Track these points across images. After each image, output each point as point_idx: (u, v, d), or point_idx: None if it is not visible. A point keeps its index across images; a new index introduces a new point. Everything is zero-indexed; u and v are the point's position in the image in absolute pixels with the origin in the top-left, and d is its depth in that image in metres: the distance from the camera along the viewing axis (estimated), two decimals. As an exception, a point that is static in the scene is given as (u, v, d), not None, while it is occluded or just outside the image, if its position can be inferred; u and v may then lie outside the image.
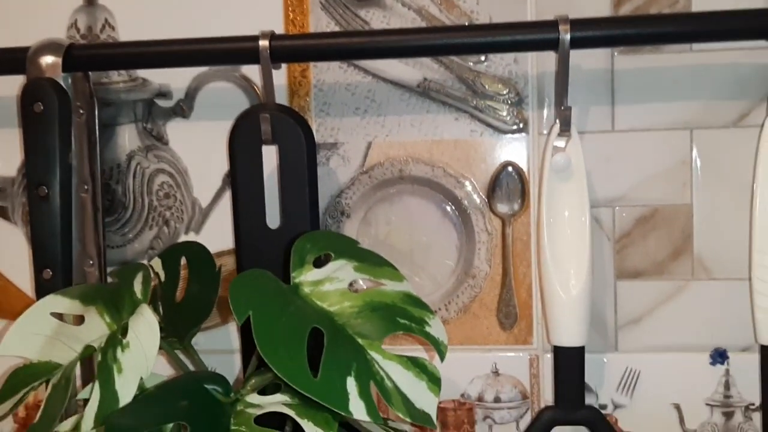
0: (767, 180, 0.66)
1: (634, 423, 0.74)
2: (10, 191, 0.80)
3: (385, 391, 0.51)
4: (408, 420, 0.50)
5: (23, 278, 0.81)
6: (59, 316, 0.62)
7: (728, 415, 0.73)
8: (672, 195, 0.72)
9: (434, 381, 0.54)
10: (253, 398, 0.56)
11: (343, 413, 0.49)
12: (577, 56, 0.67)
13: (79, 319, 0.62)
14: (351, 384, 0.51)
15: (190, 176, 0.78)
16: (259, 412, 0.54)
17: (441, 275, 0.75)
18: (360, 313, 0.55)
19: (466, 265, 0.75)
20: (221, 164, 0.77)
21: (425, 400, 0.53)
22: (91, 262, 0.75)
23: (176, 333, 0.65)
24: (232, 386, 0.57)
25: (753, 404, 0.72)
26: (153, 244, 0.79)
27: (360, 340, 0.54)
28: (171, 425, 0.55)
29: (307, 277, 0.57)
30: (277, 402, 0.54)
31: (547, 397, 0.75)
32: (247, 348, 0.69)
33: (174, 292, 0.69)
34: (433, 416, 0.52)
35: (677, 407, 0.73)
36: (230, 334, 0.78)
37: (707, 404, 0.73)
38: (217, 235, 0.77)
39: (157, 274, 0.71)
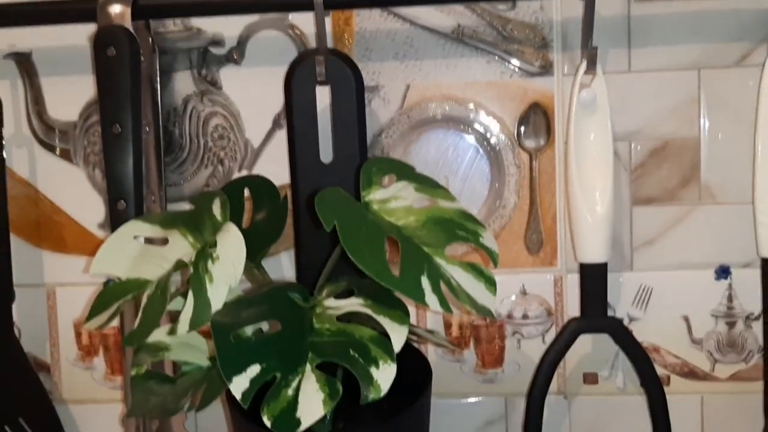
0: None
1: (647, 334, 0.81)
2: (72, 135, 0.85)
3: (453, 289, 0.58)
4: (473, 312, 0.57)
5: (86, 217, 0.86)
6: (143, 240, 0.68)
7: (731, 325, 0.81)
8: (681, 129, 0.79)
9: (491, 282, 0.60)
10: (330, 302, 0.62)
11: (421, 304, 0.55)
12: (598, 3, 0.74)
13: (163, 242, 0.68)
14: (425, 282, 0.57)
15: (242, 118, 0.83)
16: (338, 313, 0.60)
17: (474, 206, 0.82)
18: (424, 226, 0.62)
19: (496, 196, 0.82)
20: (271, 107, 0.82)
21: (485, 297, 0.60)
22: (153, 198, 0.81)
23: (249, 257, 0.71)
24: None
25: (753, 314, 0.80)
26: (208, 182, 0.84)
27: (426, 249, 0.60)
28: (253, 329, 0.61)
29: (375, 195, 0.63)
30: (353, 304, 0.61)
31: (570, 313, 0.82)
32: (302, 259, 0.75)
33: (240, 221, 0.75)
34: (491, 310, 0.59)
35: (686, 319, 0.81)
36: (282, 263, 0.84)
37: (712, 315, 0.81)
38: (268, 172, 0.82)
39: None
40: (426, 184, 0.65)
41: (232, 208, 0.73)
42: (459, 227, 0.62)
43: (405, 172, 0.65)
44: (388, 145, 0.82)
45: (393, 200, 0.63)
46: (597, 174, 0.75)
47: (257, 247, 0.70)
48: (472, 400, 0.84)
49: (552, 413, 0.83)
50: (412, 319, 0.82)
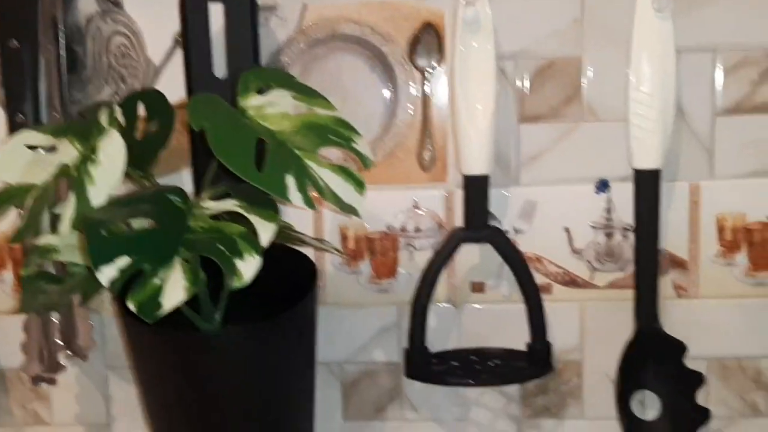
0: (641, 34, 0.76)
1: (531, 245, 0.85)
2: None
3: (320, 188, 0.60)
4: (338, 209, 0.60)
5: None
6: (34, 149, 0.69)
7: (609, 236, 0.84)
8: (565, 49, 0.81)
9: (360, 185, 0.63)
10: (208, 204, 0.64)
11: (284, 199, 0.58)
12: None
13: (53, 150, 0.69)
14: (290, 180, 0.59)
15: (144, 37, 0.84)
16: (212, 212, 0.63)
17: (369, 123, 0.84)
18: (298, 131, 0.64)
19: (390, 114, 0.84)
20: (172, 26, 0.83)
21: (352, 197, 0.62)
22: (56, 115, 0.82)
23: (139, 166, 0.72)
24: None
25: (630, 225, 0.83)
26: (112, 99, 0.85)
27: (298, 152, 0.62)
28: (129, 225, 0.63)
29: (251, 102, 0.65)
30: (228, 204, 0.63)
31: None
32: (198, 173, 0.77)
33: (133, 132, 0.76)
34: (359, 210, 0.62)
35: (567, 230, 0.84)
36: (183, 179, 0.85)
37: (592, 227, 0.84)
38: (169, 90, 0.83)
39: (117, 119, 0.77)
40: (304, 92, 0.66)
41: (127, 121, 0.74)
42: (332, 133, 0.64)
43: (283, 81, 0.66)
44: (285, 64, 0.83)
45: (268, 107, 0.65)
46: (479, 90, 0.77)
47: (147, 156, 0.72)
48: (367, 308, 0.87)
49: (442, 321, 0.87)
50: (308, 231, 0.84)
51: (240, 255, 0.58)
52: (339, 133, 0.65)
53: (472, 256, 0.85)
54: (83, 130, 0.69)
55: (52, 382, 0.81)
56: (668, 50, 0.76)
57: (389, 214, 0.85)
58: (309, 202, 0.59)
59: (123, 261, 0.57)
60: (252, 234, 0.60)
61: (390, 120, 0.84)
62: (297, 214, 0.84)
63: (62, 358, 0.81)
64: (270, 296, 0.73)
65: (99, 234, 0.58)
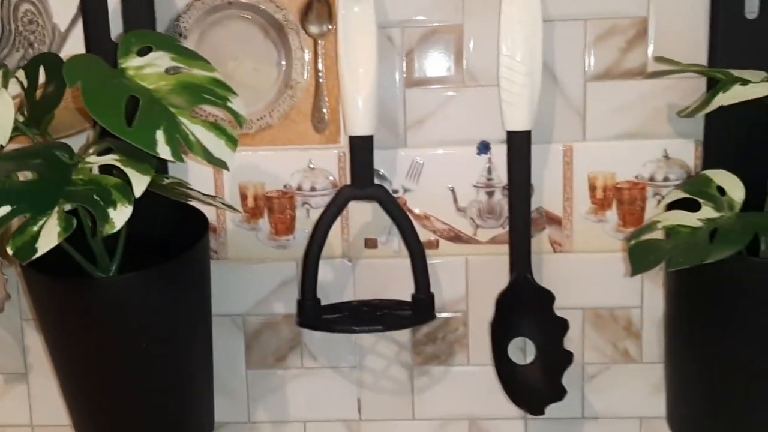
0: (509, 5, 0.81)
1: (419, 203, 0.90)
2: None
3: (189, 143, 0.65)
4: (206, 162, 0.64)
5: None
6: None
7: (490, 194, 0.89)
8: (448, 17, 0.86)
9: (231, 140, 0.67)
10: (91, 158, 0.69)
11: (151, 152, 0.62)
12: None
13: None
14: (160, 134, 0.64)
15: (50, 4, 0.87)
16: (94, 165, 0.67)
17: (265, 87, 0.88)
18: (173, 89, 0.68)
19: (285, 78, 0.88)
20: (76, -7, 0.86)
21: (223, 152, 0.66)
22: (-37, 80, 0.85)
23: (36, 125, 0.76)
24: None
25: (507, 185, 0.88)
26: (19, 64, 0.89)
27: (172, 109, 0.67)
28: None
29: (131, 63, 0.69)
30: (108, 159, 0.67)
31: (353, 185, 0.89)
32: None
33: (35, 94, 0.80)
34: (229, 164, 0.66)
35: (452, 190, 0.89)
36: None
37: (474, 186, 0.89)
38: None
39: (21, 83, 0.81)
40: (184, 54, 0.71)
41: (29, 84, 0.78)
42: (207, 92, 0.69)
43: (164, 43, 0.70)
44: (184, 29, 0.87)
45: (147, 67, 0.69)
46: (362, 55, 0.82)
47: (43, 115, 0.76)
48: (267, 264, 0.92)
49: (338, 275, 0.92)
50: (209, 190, 0.89)
51: (113, 204, 0.63)
52: (214, 92, 0.69)
53: (365, 214, 0.90)
54: (-21, 90, 0.72)
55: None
56: (535, 20, 0.81)
57: (286, 174, 0.90)
58: (177, 156, 0.63)
59: (4, 209, 0.62)
60: (127, 185, 0.64)
61: (285, 84, 0.88)
62: (198, 174, 0.89)
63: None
64: (169, 251, 0.77)
65: (-15, 184, 0.62)
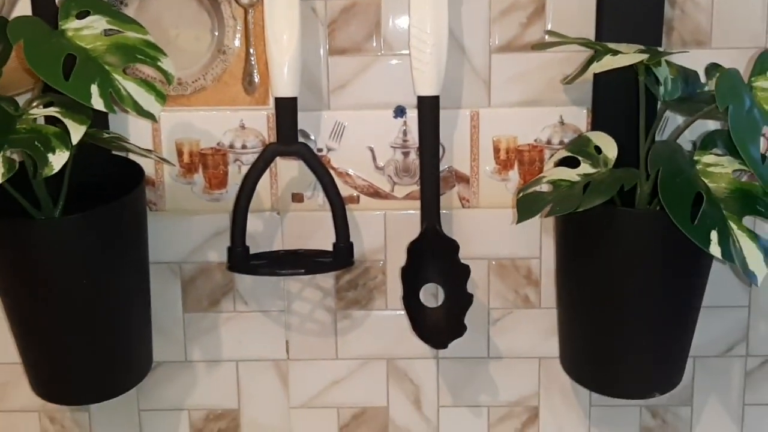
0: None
1: (341, 162, 0.98)
2: None
3: (121, 96, 0.72)
4: (135, 113, 0.72)
5: None
6: None
7: (406, 154, 0.98)
8: (367, -9, 0.94)
9: (160, 96, 0.75)
10: (34, 111, 0.76)
11: (86, 104, 0.70)
12: None
13: None
14: (94, 89, 0.71)
15: (-2, -29, 0.93)
16: (36, 116, 0.74)
17: (200, 53, 0.95)
18: (108, 49, 0.75)
19: (218, 44, 0.95)
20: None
21: (151, 106, 0.74)
22: None
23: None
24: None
25: (421, 145, 0.97)
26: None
27: (106, 66, 0.74)
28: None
29: (70, 25, 0.76)
30: (50, 111, 0.74)
31: (281, 144, 0.97)
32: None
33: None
34: (155, 116, 0.74)
35: (371, 149, 0.98)
36: (37, 99, 0.96)
37: (391, 147, 0.98)
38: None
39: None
40: (118, 18, 0.78)
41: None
42: (140, 53, 0.76)
43: (100, 8, 0.77)
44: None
45: (85, 29, 0.76)
46: (286, 23, 0.89)
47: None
48: (202, 215, 0.99)
49: (267, 227, 1.00)
50: (148, 147, 0.96)
51: (53, 150, 0.70)
52: (146, 53, 0.76)
53: (291, 171, 0.98)
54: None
55: None
56: (441, -6, 0.89)
57: (219, 133, 0.98)
58: (109, 107, 0.71)
59: (-49, 153, 0.69)
60: (65, 133, 0.71)
61: (218, 50, 0.95)
62: (137, 131, 0.96)
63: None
64: (108, 200, 0.85)
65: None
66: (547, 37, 0.92)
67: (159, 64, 0.76)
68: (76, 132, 0.72)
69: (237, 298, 1.01)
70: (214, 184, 0.99)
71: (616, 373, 0.89)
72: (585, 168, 0.82)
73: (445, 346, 0.94)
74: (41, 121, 0.78)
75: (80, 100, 0.70)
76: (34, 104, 0.78)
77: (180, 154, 0.98)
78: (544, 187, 0.85)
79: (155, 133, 0.97)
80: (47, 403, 1.03)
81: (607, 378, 0.90)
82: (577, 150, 0.84)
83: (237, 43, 0.95)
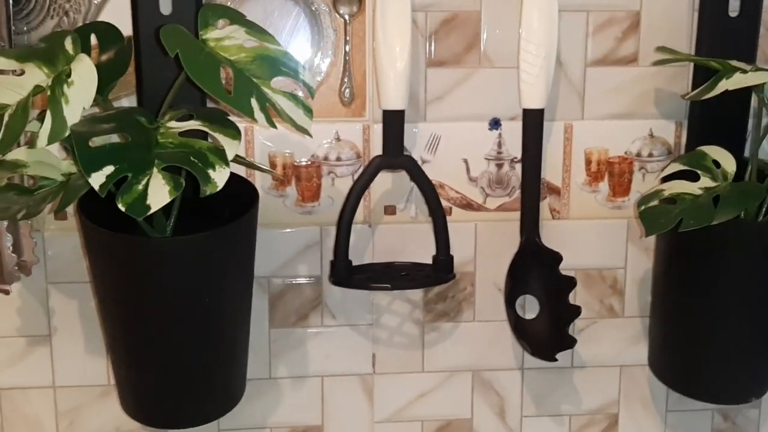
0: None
1: (435, 173, 0.96)
2: None
3: (278, 110, 0.69)
4: (294, 129, 0.69)
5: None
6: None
7: (499, 166, 0.97)
8: (467, 3, 0.93)
9: (308, 110, 0.72)
10: (172, 124, 0.72)
11: (250, 118, 0.66)
12: None
13: (19, 73, 0.74)
14: (254, 102, 0.68)
15: (86, -25, 0.88)
16: (179, 130, 0.70)
17: (296, 63, 0.92)
18: (253, 61, 0.72)
19: (315, 55, 0.93)
20: (114, -35, 0.88)
21: (302, 120, 0.71)
22: (2, 43, 0.85)
23: (99, 91, 0.78)
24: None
25: (516, 158, 0.97)
26: (54, 30, 0.89)
27: (255, 79, 0.71)
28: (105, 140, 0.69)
29: (211, 35, 0.72)
30: (193, 124, 0.70)
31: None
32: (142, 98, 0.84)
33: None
34: (309, 129, 0.71)
35: (465, 161, 0.97)
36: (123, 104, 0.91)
37: (485, 158, 0.97)
38: (111, 25, 0.88)
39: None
40: (255, 29, 0.74)
41: (82, 47, 0.79)
42: (282, 65, 0.73)
43: (237, 17, 0.74)
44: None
45: (227, 39, 0.72)
46: (397, 37, 0.88)
47: (105, 82, 0.77)
48: (293, 228, 0.96)
49: (359, 239, 0.97)
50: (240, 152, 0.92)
51: (212, 166, 0.67)
52: (288, 65, 0.73)
53: (385, 183, 0.96)
54: (48, 55, 0.74)
55: (6, 292, 0.86)
56: (553, 10, 0.89)
57: (314, 145, 0.95)
58: (270, 121, 0.68)
59: (109, 168, 0.64)
60: (219, 149, 0.68)
61: (315, 60, 0.92)
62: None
63: (15, 271, 0.85)
64: (217, 217, 0.81)
65: (87, 145, 0.64)
66: (644, 52, 0.93)
67: (301, 76, 0.73)
68: (231, 147, 0.68)
69: (325, 312, 0.99)
70: (306, 197, 0.96)
71: (718, 378, 0.90)
72: (705, 182, 0.84)
73: (555, 359, 0.94)
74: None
75: (245, 114, 0.66)
76: (167, 117, 0.73)
77: (273, 166, 0.94)
78: (659, 201, 0.86)
79: (248, 145, 0.93)
80: (120, 427, 0.98)
81: (708, 383, 0.91)
82: (695, 163, 0.85)
83: (334, 55, 0.92)
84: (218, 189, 0.66)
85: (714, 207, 0.80)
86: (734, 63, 0.83)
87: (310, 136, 0.70)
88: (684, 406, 1.05)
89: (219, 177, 0.66)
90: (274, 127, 0.68)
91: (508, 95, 0.94)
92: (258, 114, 0.67)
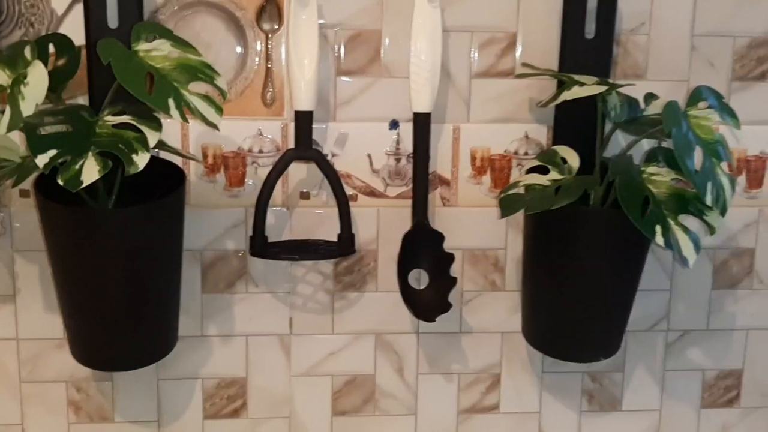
0: (419, 18, 1.05)
1: (343, 165, 1.13)
2: None
3: (191, 109, 0.86)
4: (205, 124, 0.85)
5: None
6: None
7: (398, 160, 1.14)
8: (370, 22, 1.10)
9: (218, 109, 0.89)
10: (109, 118, 0.88)
11: (166, 114, 0.83)
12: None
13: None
14: (171, 102, 0.85)
15: (49, -8, 1.05)
16: (114, 122, 0.87)
17: (225, 70, 1.09)
18: (174, 69, 0.88)
19: (242, 64, 1.09)
20: (72, -15, 1.04)
21: (213, 117, 0.88)
22: (-24, 48, 1.01)
23: (52, 90, 0.94)
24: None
25: (410, 153, 1.13)
26: (21, 39, 1.05)
27: (175, 83, 0.87)
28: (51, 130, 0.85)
29: (141, 47, 0.89)
30: (125, 118, 0.87)
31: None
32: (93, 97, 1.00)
33: (46, 64, 0.97)
34: (217, 125, 0.88)
35: (369, 156, 1.13)
36: (78, 102, 1.07)
37: (386, 154, 1.14)
38: (69, 35, 1.04)
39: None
40: (180, 42, 0.91)
41: (40, 55, 0.96)
42: (200, 72, 0.90)
43: (165, 33, 0.90)
44: (162, 21, 1.06)
45: (154, 51, 0.89)
46: (307, 49, 1.04)
47: (58, 82, 0.94)
48: (222, 210, 1.13)
49: (278, 220, 1.14)
50: (175, 144, 1.09)
51: (135, 151, 0.83)
52: (205, 72, 0.90)
53: (300, 172, 1.13)
54: (11, 60, 0.90)
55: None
56: (437, 30, 1.06)
57: (240, 139, 1.11)
58: (183, 117, 0.85)
59: (52, 152, 0.81)
60: (143, 137, 0.85)
61: (241, 68, 1.09)
62: (167, 136, 1.08)
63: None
64: (152, 197, 0.97)
65: (36, 133, 0.80)
66: (521, 67, 1.10)
67: (215, 82, 0.90)
68: (153, 137, 0.85)
69: (249, 281, 1.15)
70: (233, 183, 1.12)
71: (571, 341, 1.08)
72: (554, 175, 1.01)
73: (433, 320, 1.11)
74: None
75: (162, 111, 0.83)
76: (106, 111, 0.90)
77: (205, 156, 1.11)
78: (520, 190, 1.03)
79: (184, 138, 1.10)
80: (74, 374, 1.14)
81: (564, 345, 1.08)
82: (547, 160, 1.02)
83: (257, 62, 1.09)
84: (139, 170, 0.83)
85: (555, 195, 0.97)
86: (581, 77, 1.00)
87: (218, 129, 0.87)
88: (557, 369, 1.22)
89: (140, 160, 0.83)
90: (186, 121, 0.85)
91: (404, 100, 1.11)
92: (173, 111, 0.84)
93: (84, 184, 0.80)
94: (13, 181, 0.89)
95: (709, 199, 0.89)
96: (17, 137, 0.97)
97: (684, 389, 1.26)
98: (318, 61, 1.05)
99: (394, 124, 1.12)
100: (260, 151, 1.11)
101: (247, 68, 1.09)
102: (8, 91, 0.85)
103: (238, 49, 1.08)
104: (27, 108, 0.84)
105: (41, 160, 0.80)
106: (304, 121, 1.06)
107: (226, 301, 1.15)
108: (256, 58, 1.09)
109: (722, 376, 1.26)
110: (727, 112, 0.96)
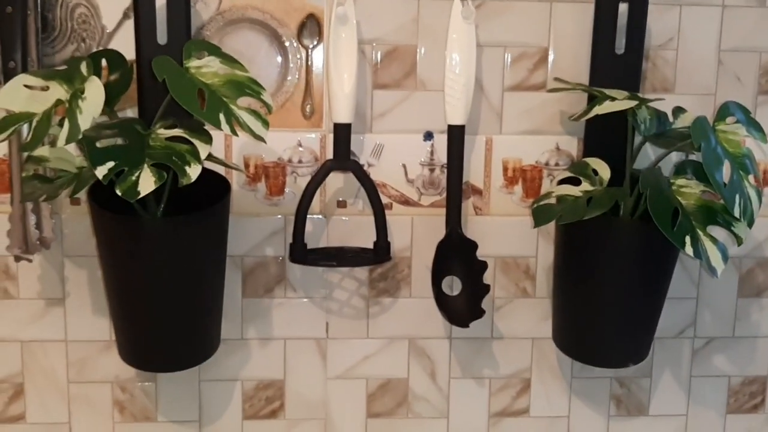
0: (454, 33, 1.09)
1: (379, 175, 1.16)
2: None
3: (241, 123, 0.90)
4: (252, 137, 0.89)
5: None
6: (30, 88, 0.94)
7: (432, 171, 1.17)
8: (406, 39, 1.13)
9: (265, 123, 0.92)
10: (161, 131, 0.92)
11: (217, 128, 0.87)
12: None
13: (44, 89, 0.94)
14: (222, 117, 0.88)
15: (100, 9, 1.09)
16: (166, 136, 0.91)
17: (267, 84, 1.13)
18: (224, 85, 0.92)
19: (283, 77, 1.13)
20: (121, 2, 1.08)
21: (260, 131, 0.92)
22: (32, 64, 1.06)
23: (108, 104, 0.98)
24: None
25: (445, 164, 1.17)
26: (73, 54, 1.10)
27: (224, 99, 0.91)
28: (108, 143, 0.90)
29: (192, 63, 0.93)
30: (177, 131, 0.91)
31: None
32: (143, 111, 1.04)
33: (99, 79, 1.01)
34: (264, 138, 0.91)
35: (404, 166, 1.17)
36: (127, 115, 1.11)
37: (420, 164, 1.17)
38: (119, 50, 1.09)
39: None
40: (228, 59, 0.95)
41: (95, 71, 1.00)
42: (247, 87, 0.93)
43: (214, 50, 0.94)
44: (207, 36, 1.11)
45: (204, 67, 0.93)
46: (346, 64, 1.08)
47: (112, 97, 0.98)
48: (262, 217, 1.17)
49: (316, 228, 1.17)
50: (218, 154, 1.13)
51: (188, 163, 0.87)
52: (252, 88, 0.94)
53: (337, 182, 1.17)
54: (68, 75, 0.94)
55: (29, 260, 1.07)
56: (471, 45, 1.09)
57: (280, 150, 1.15)
58: (233, 131, 0.88)
59: (111, 164, 0.85)
60: (195, 150, 0.88)
61: (282, 82, 1.13)
62: (213, 148, 1.12)
63: (36, 244, 1.06)
64: (198, 205, 1.01)
65: (95, 146, 0.85)
66: (553, 81, 1.13)
67: (262, 96, 0.94)
68: (204, 150, 0.89)
69: (287, 286, 1.19)
70: (273, 192, 1.16)
71: (600, 347, 1.10)
72: (585, 186, 1.04)
73: (467, 326, 1.14)
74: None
75: (214, 126, 0.87)
76: (158, 125, 0.94)
77: (246, 166, 1.15)
78: (552, 201, 1.06)
79: (227, 148, 1.14)
80: (119, 375, 1.18)
81: (593, 351, 1.11)
82: (578, 171, 1.05)
83: (298, 77, 1.13)
84: (192, 181, 0.87)
85: (587, 206, 1.00)
86: (612, 92, 1.03)
87: (265, 142, 0.91)
88: (586, 374, 1.25)
89: (193, 171, 0.87)
90: (236, 135, 0.89)
91: (438, 112, 1.14)
92: (224, 125, 0.88)
93: (141, 195, 0.84)
94: (71, 190, 0.93)
95: (737, 211, 0.92)
96: (73, 149, 1.02)
97: (710, 395, 1.28)
98: (356, 76, 1.09)
99: (428, 136, 1.16)
100: (299, 162, 1.15)
101: (288, 82, 1.13)
102: (67, 105, 0.89)
103: (279, 63, 1.12)
104: (85, 122, 0.88)
105: (100, 171, 0.84)
106: (342, 133, 1.10)
107: (265, 305, 1.19)
108: (296, 73, 1.13)
109: (747, 383, 1.28)
110: (754, 126, 0.99)
